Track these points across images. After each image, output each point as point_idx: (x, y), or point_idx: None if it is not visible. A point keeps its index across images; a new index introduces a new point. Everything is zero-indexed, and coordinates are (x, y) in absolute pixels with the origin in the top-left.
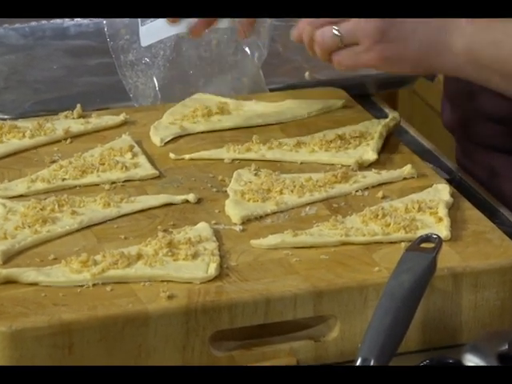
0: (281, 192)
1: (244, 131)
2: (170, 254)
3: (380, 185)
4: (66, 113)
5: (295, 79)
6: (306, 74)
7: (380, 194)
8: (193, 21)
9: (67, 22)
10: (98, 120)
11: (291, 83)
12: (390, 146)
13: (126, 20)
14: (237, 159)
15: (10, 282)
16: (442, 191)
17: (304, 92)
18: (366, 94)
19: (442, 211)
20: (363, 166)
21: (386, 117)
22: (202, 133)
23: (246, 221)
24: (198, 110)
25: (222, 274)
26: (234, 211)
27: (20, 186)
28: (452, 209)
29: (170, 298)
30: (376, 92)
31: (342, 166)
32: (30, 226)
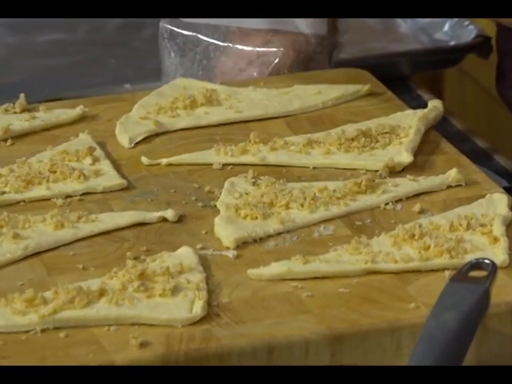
0: (287, 206)
1: (238, 127)
2: (142, 288)
3: (417, 195)
4: (5, 105)
5: None
6: None
7: (417, 208)
8: None
9: None
10: (47, 114)
11: None
12: (429, 144)
13: None
14: (229, 164)
15: None
16: (498, 203)
17: (317, 74)
18: (399, 77)
19: (498, 229)
20: (395, 171)
21: (424, 106)
22: (184, 130)
23: (242, 244)
24: (178, 100)
25: (210, 314)
26: (225, 232)
27: None
28: (511, 226)
29: (142, 345)
30: (412, 74)
31: (367, 171)
32: None
